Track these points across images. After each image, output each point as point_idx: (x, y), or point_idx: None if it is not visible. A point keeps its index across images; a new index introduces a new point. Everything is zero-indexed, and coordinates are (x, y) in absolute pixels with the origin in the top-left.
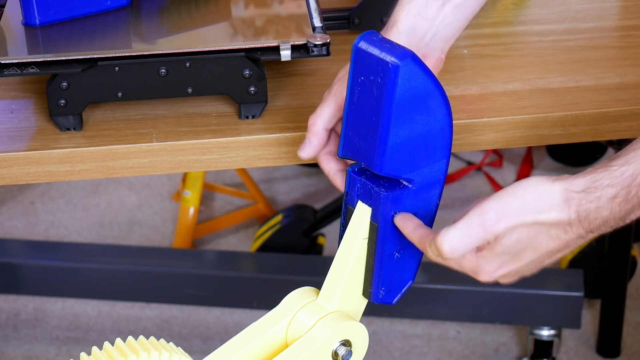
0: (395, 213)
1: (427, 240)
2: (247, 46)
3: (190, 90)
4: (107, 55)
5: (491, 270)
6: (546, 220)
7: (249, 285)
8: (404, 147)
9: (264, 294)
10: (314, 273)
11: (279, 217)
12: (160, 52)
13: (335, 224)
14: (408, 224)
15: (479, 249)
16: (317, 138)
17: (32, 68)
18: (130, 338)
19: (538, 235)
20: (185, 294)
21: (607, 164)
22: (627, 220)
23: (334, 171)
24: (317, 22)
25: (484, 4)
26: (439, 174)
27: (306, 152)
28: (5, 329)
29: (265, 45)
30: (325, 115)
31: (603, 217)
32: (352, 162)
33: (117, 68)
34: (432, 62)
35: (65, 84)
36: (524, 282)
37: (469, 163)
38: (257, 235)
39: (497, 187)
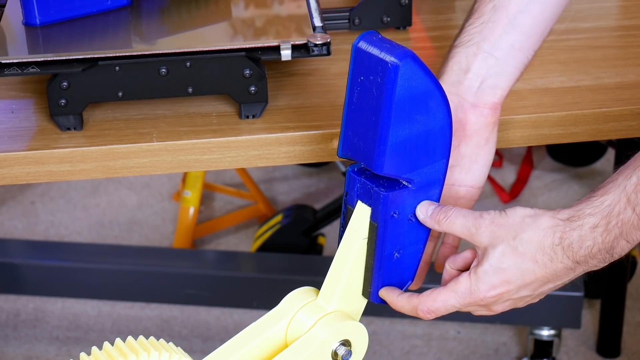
0: (395, 213)
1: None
2: (247, 46)
3: (190, 90)
4: (108, 55)
5: (484, 289)
6: (530, 239)
7: (249, 285)
8: (404, 147)
9: (264, 294)
10: (314, 273)
11: (279, 217)
12: (161, 51)
13: (335, 224)
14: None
15: (472, 267)
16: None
17: (32, 68)
18: (130, 338)
19: (524, 259)
20: (185, 294)
21: (590, 194)
22: (615, 254)
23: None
24: (318, 22)
25: (532, 57)
26: (439, 173)
27: None
28: (5, 329)
29: (265, 45)
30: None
31: (587, 247)
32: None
33: (117, 68)
34: (484, 111)
35: (65, 83)
36: None
37: None
38: (257, 235)
39: (497, 187)
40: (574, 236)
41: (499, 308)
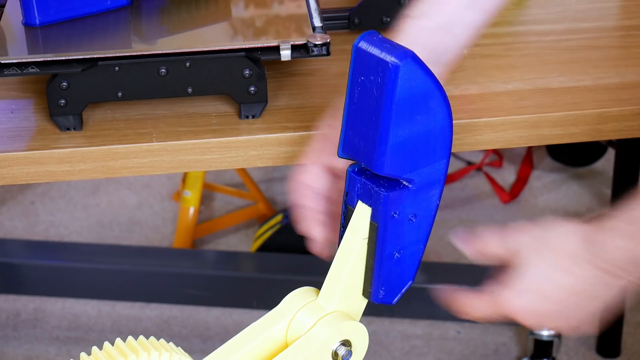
0: (395, 213)
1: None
2: (247, 46)
3: (190, 90)
4: (107, 55)
5: (512, 295)
6: (552, 243)
7: (249, 285)
8: (404, 147)
9: (264, 294)
10: (314, 273)
11: (279, 217)
12: (160, 52)
13: None
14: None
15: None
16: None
17: (32, 68)
18: (130, 338)
19: (553, 268)
20: (185, 294)
21: (624, 202)
22: None
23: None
24: (317, 22)
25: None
26: (439, 174)
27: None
28: (5, 329)
29: (265, 45)
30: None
31: (617, 245)
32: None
33: (117, 68)
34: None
35: (65, 83)
36: None
37: (469, 163)
38: (257, 235)
39: (497, 187)
40: (597, 236)
41: (528, 311)
